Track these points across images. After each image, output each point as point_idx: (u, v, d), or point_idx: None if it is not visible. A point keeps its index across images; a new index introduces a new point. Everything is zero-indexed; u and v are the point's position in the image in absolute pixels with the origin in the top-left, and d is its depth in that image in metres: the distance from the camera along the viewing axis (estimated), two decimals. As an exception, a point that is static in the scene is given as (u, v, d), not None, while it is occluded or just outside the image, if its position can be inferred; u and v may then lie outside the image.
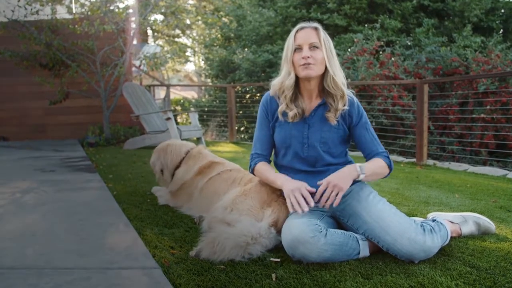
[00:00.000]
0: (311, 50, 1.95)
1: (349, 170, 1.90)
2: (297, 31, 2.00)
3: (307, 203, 1.86)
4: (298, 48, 1.97)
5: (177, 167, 2.93)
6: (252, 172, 2.20)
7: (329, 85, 1.99)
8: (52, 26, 7.42)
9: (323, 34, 1.98)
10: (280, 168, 2.18)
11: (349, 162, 2.09)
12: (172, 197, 2.90)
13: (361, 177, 1.92)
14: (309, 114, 2.05)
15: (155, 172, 3.05)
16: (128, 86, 7.16)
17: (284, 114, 2.06)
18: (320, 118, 2.04)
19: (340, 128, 2.04)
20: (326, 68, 1.98)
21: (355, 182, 2.03)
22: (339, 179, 1.85)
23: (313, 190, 1.90)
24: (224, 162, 2.82)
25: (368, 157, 2.08)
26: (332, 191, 1.84)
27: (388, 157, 2.05)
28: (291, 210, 1.88)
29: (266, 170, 2.11)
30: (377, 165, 1.99)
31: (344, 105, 2.01)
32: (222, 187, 2.47)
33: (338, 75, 1.99)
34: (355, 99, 2.08)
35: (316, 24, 2.00)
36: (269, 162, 2.20)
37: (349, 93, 2.06)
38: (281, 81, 2.04)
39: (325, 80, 2.00)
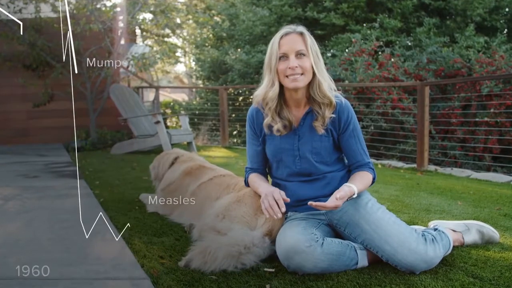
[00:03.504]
0: (298, 58, 1.86)
1: (349, 193, 1.80)
2: (281, 37, 1.90)
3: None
4: (283, 57, 1.88)
5: None
6: (247, 185, 2.18)
7: (315, 93, 1.91)
8: (36, 25, 7.32)
9: (309, 39, 1.89)
10: (275, 180, 2.12)
11: (347, 170, 2.03)
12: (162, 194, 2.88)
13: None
14: (298, 123, 1.98)
15: (152, 179, 3.12)
16: (116, 88, 7.08)
17: (270, 127, 1.99)
18: (309, 127, 1.97)
19: (330, 136, 1.97)
20: (313, 74, 1.90)
21: None
22: (342, 201, 1.77)
23: (287, 200, 1.86)
24: (215, 168, 2.82)
25: (353, 166, 2.01)
26: (331, 205, 1.75)
27: (373, 169, 2.00)
28: (266, 214, 1.86)
29: (255, 181, 2.08)
30: (365, 181, 1.92)
31: (332, 113, 1.93)
32: (215, 193, 2.43)
33: (326, 80, 1.92)
34: (344, 102, 1.97)
35: (301, 28, 1.91)
36: (264, 174, 2.15)
37: (339, 96, 1.97)
38: (264, 92, 1.96)
39: (311, 87, 1.92)
